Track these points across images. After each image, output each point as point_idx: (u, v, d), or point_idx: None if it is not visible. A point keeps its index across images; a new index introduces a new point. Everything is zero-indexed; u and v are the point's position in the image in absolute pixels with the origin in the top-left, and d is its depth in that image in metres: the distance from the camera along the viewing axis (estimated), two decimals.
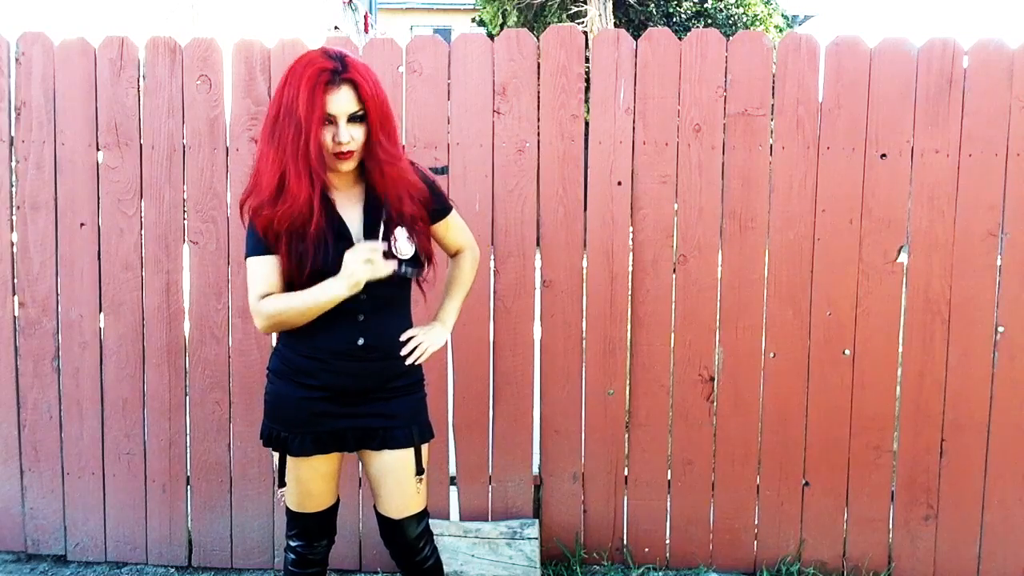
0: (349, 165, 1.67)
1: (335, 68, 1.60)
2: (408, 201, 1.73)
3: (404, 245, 1.73)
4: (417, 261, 1.76)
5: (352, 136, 1.62)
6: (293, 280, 1.69)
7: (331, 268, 1.65)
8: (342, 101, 1.61)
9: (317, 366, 1.72)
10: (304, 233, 1.64)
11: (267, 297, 1.69)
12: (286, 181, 1.60)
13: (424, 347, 1.81)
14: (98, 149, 2.51)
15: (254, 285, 1.71)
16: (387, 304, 1.76)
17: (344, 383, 1.73)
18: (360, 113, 1.63)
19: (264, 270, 1.70)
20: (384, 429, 1.76)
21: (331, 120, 1.62)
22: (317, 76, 1.58)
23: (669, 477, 2.57)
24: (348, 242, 1.69)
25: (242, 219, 1.71)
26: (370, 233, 1.71)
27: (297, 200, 1.60)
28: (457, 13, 21.99)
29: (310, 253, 1.64)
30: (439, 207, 1.85)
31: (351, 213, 1.73)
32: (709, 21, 12.89)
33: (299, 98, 1.57)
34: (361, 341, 1.71)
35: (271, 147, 1.61)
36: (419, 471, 1.80)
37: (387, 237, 1.71)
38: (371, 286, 1.67)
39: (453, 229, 1.91)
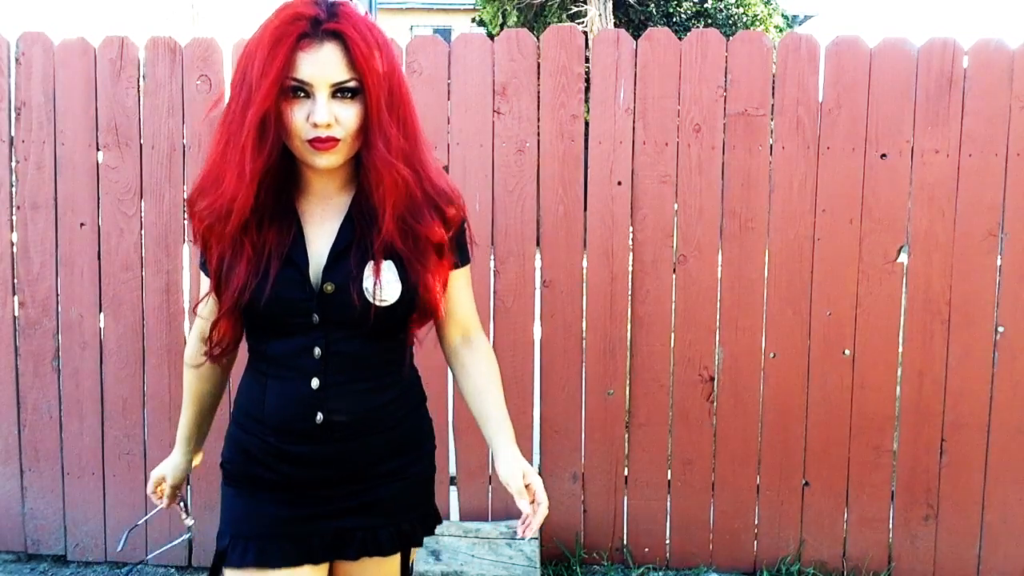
0: (329, 160, 1.12)
1: (316, 16, 1.08)
2: (424, 224, 1.19)
3: (384, 287, 1.17)
4: (410, 308, 1.21)
5: (337, 117, 1.09)
6: (219, 306, 1.21)
7: (272, 305, 1.16)
8: (322, 63, 1.08)
9: (267, 452, 1.23)
10: (239, 248, 1.16)
11: (189, 363, 1.36)
12: (224, 170, 1.13)
13: (541, 516, 1.21)
14: (98, 149, 2.51)
15: (197, 304, 1.31)
16: (358, 365, 1.22)
17: (304, 475, 1.23)
18: (352, 85, 1.09)
19: (203, 292, 1.28)
20: (364, 531, 1.26)
21: (304, 90, 1.09)
22: (286, 26, 1.07)
23: (669, 477, 2.57)
24: (296, 270, 1.17)
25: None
26: (335, 262, 1.18)
27: (225, 191, 1.11)
28: (457, 13, 21.99)
29: (241, 277, 1.15)
30: (462, 250, 1.30)
31: (322, 229, 1.20)
32: (709, 21, 12.90)
33: (255, 56, 1.08)
34: (319, 417, 1.20)
35: (221, 126, 1.15)
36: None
37: (362, 271, 1.17)
38: (331, 335, 1.19)
39: (458, 291, 1.31)
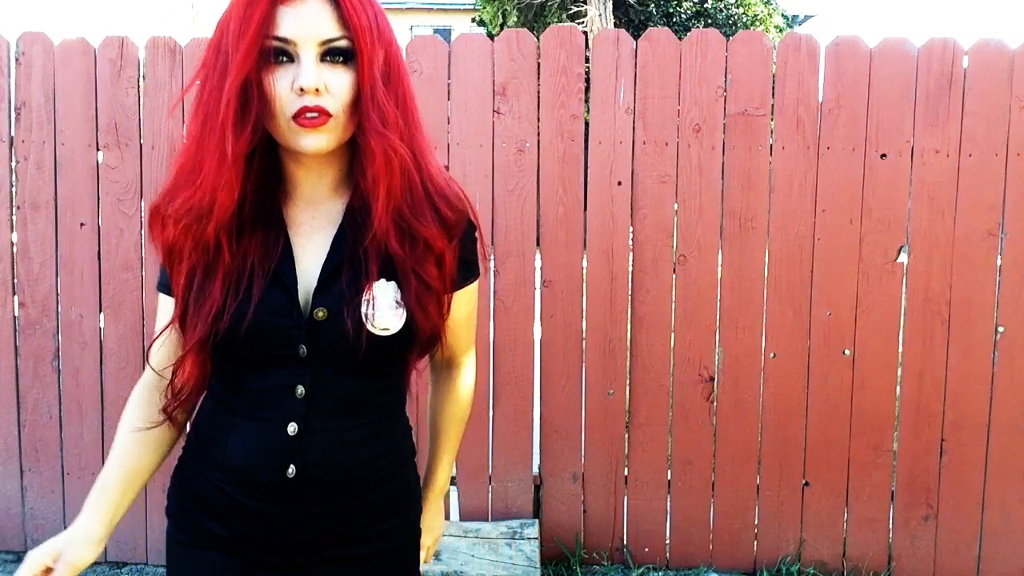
0: (319, 140, 0.92)
1: None
2: (425, 225, 0.99)
3: (385, 312, 0.97)
4: (410, 337, 1.00)
5: (328, 85, 0.91)
6: (186, 337, 0.98)
7: (254, 332, 0.96)
8: (307, 17, 0.90)
9: (222, 504, 1.02)
10: (214, 261, 0.96)
11: (134, 397, 1.12)
12: (202, 158, 0.93)
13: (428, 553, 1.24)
14: (98, 149, 2.51)
15: (155, 339, 1.07)
16: (348, 408, 1.02)
17: (264, 537, 1.01)
18: (343, 44, 0.91)
19: (164, 320, 1.05)
20: None
21: (288, 52, 0.91)
22: None
23: (669, 477, 2.57)
24: (283, 291, 0.97)
25: (151, 237, 1.03)
26: (329, 283, 0.98)
27: (205, 181, 0.92)
28: (457, 13, 21.98)
29: (216, 298, 0.95)
30: (468, 266, 1.09)
31: (311, 242, 1.00)
32: (709, 21, 12.91)
33: (231, 19, 0.91)
34: (291, 471, 0.99)
35: (195, 108, 0.95)
36: None
37: (357, 293, 0.97)
38: (319, 371, 0.98)
39: (462, 310, 1.11)
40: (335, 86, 0.91)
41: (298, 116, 0.90)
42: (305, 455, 0.99)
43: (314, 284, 0.98)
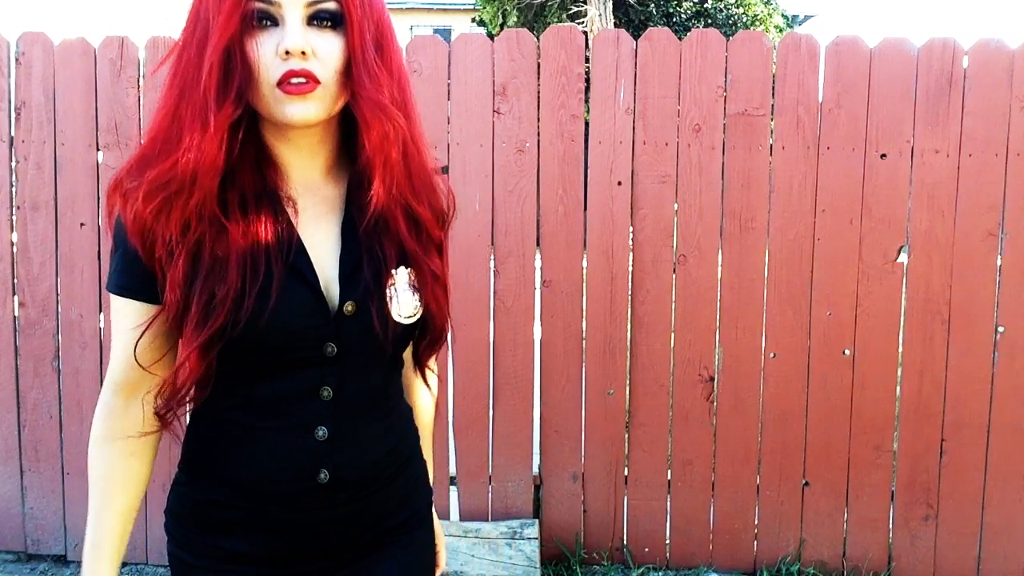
0: (305, 108, 0.85)
1: None
2: (424, 207, 0.96)
3: (405, 299, 0.94)
4: (425, 328, 0.99)
5: (315, 50, 0.84)
6: (189, 330, 0.87)
7: (276, 330, 0.87)
8: None
9: (243, 518, 0.94)
10: (223, 240, 0.86)
11: (103, 429, 0.96)
12: (179, 130, 0.85)
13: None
14: (98, 149, 2.51)
15: (113, 353, 0.94)
16: (371, 404, 0.98)
17: (292, 547, 0.96)
18: (331, 7, 0.85)
19: (127, 324, 0.91)
20: None
21: (271, 16, 0.84)
22: None
23: (669, 477, 2.57)
24: (306, 286, 0.89)
25: (108, 216, 0.91)
26: (352, 276, 0.92)
27: (188, 149, 0.83)
28: (457, 13, 21.98)
29: (233, 283, 0.85)
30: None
31: (320, 233, 0.93)
32: (709, 21, 12.91)
33: None
34: (323, 476, 0.93)
35: (171, 79, 0.87)
36: None
37: (382, 283, 0.93)
38: (347, 370, 0.93)
39: None
40: (323, 51, 0.85)
41: (283, 82, 0.84)
42: (335, 458, 0.93)
43: (333, 276, 0.92)
